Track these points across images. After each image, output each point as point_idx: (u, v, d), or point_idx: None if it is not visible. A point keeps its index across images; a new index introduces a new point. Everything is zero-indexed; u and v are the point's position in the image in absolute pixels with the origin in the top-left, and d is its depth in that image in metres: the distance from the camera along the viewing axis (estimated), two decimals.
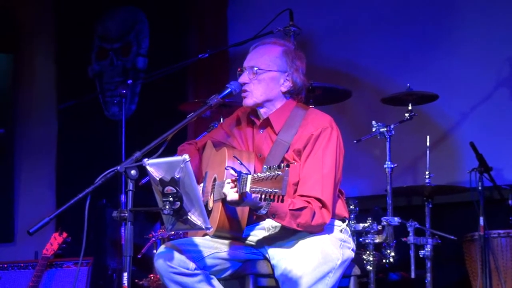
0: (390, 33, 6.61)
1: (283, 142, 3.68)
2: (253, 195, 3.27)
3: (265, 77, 3.75)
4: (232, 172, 3.33)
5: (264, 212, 3.40)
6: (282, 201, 3.09)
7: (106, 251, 7.24)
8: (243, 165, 3.42)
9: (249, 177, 3.17)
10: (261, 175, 3.12)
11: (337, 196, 3.73)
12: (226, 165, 3.51)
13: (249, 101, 3.77)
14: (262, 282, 3.66)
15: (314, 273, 3.45)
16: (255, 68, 3.74)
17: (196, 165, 3.87)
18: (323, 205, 3.53)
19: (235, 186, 3.30)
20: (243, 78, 3.76)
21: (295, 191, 3.60)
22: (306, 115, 3.75)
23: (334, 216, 3.69)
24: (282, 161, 3.61)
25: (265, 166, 3.14)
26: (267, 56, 3.76)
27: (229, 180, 3.35)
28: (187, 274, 3.55)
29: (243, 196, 3.29)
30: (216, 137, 3.96)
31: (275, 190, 3.06)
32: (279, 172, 3.06)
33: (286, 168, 3.06)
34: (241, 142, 3.87)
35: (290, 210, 3.45)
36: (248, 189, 3.15)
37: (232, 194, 3.32)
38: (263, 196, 3.10)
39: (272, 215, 3.44)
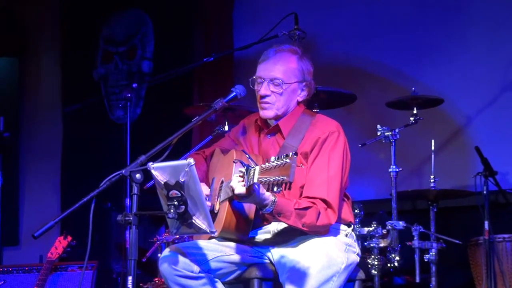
0: (395, 37, 6.61)
1: (290, 147, 3.68)
2: (261, 189, 3.26)
3: (287, 90, 3.74)
4: (240, 166, 3.32)
5: (270, 210, 3.40)
6: (290, 188, 3.09)
7: (111, 254, 7.24)
8: (251, 159, 3.40)
9: (257, 168, 3.17)
10: (269, 164, 3.12)
11: (343, 200, 3.73)
12: (234, 158, 3.50)
13: (270, 113, 3.75)
14: (266, 285, 3.66)
15: (318, 277, 3.45)
16: (279, 81, 3.71)
17: (203, 173, 3.87)
18: (329, 205, 3.54)
19: (243, 180, 3.29)
20: (265, 91, 3.72)
21: (302, 193, 3.60)
22: (314, 120, 3.76)
23: (340, 221, 3.69)
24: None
25: (273, 157, 3.14)
26: (287, 67, 3.73)
27: (237, 174, 3.34)
28: (192, 277, 3.55)
29: (250, 189, 3.28)
30: (223, 145, 3.97)
31: (283, 177, 3.06)
32: (287, 160, 3.06)
33: (294, 156, 3.06)
34: (247, 149, 3.86)
35: (295, 209, 3.45)
36: (256, 180, 3.15)
37: (239, 188, 3.31)
38: (270, 185, 3.10)
39: (278, 214, 3.44)
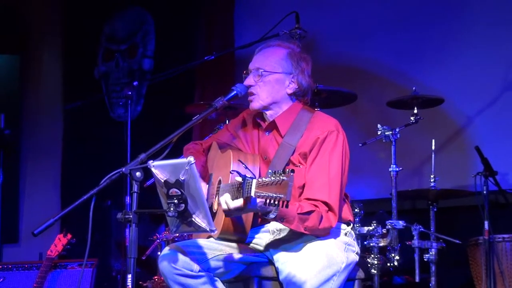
0: (395, 37, 6.61)
1: (288, 145, 3.67)
2: (258, 200, 3.26)
3: (270, 79, 3.74)
4: (237, 176, 3.32)
5: (273, 216, 3.38)
6: (287, 206, 3.08)
7: (110, 252, 7.25)
8: (248, 169, 3.41)
9: (254, 181, 3.16)
10: (266, 179, 3.11)
11: (343, 200, 3.72)
12: (231, 169, 3.50)
13: (255, 104, 3.76)
14: (266, 285, 3.66)
15: (318, 276, 3.45)
16: (260, 70, 3.73)
17: (201, 165, 3.88)
18: (330, 208, 3.53)
19: (239, 195, 3.29)
20: (249, 81, 3.75)
21: (301, 194, 3.59)
22: (312, 118, 3.74)
23: (340, 220, 3.68)
24: (287, 164, 3.62)
25: (269, 171, 3.13)
26: (272, 58, 3.75)
27: (229, 195, 3.34)
28: (191, 276, 3.55)
29: (247, 201, 3.28)
30: (221, 139, 3.96)
31: (280, 195, 3.05)
32: (284, 177, 3.05)
33: (291, 174, 3.05)
34: (246, 144, 3.86)
35: (298, 214, 3.44)
36: (253, 194, 3.14)
37: (235, 202, 3.32)
38: (267, 201, 3.09)
39: (281, 219, 3.43)
